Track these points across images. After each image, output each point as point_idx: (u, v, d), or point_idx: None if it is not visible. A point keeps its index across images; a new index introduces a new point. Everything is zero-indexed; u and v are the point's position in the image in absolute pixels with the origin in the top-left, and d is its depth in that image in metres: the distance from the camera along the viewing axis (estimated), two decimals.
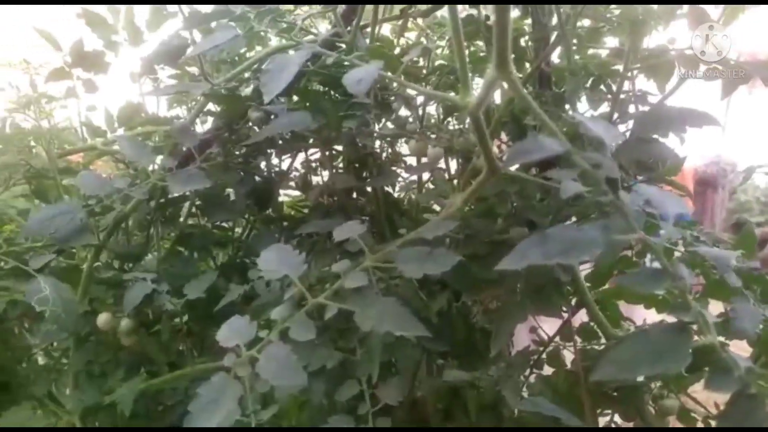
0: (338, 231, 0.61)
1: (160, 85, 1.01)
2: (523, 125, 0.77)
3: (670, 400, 0.76)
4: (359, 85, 0.52)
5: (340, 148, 0.93)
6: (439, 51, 0.97)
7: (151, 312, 0.84)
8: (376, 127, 0.85)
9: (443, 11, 0.92)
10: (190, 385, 0.83)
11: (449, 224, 0.59)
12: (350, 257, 0.60)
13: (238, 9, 0.69)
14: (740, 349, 0.54)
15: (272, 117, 0.82)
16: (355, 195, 0.94)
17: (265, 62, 0.83)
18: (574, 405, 0.73)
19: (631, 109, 0.75)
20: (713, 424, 0.76)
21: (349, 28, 0.82)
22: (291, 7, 0.97)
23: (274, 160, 0.98)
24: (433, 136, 0.87)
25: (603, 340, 0.80)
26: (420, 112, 0.91)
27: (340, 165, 0.96)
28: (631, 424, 0.77)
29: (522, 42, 0.86)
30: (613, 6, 0.77)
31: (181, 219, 0.96)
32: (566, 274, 0.70)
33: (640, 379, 0.72)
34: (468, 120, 0.76)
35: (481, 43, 0.90)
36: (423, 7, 0.95)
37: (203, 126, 0.98)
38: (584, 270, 0.78)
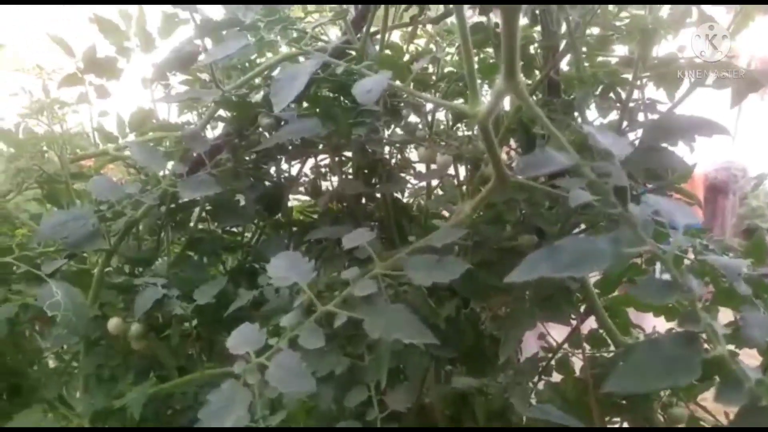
0: (347, 239, 0.61)
1: (171, 92, 1.01)
2: (532, 133, 0.76)
3: (679, 408, 0.75)
4: (369, 95, 0.53)
5: (349, 154, 0.93)
6: (448, 58, 0.97)
7: (161, 316, 0.84)
8: (386, 134, 0.85)
9: (453, 18, 0.92)
10: (199, 390, 0.84)
11: (458, 232, 0.59)
12: (359, 264, 0.60)
13: (248, 18, 0.70)
14: (750, 357, 0.54)
15: (282, 123, 0.82)
16: (364, 201, 0.94)
17: (275, 69, 0.83)
18: (582, 412, 0.73)
19: (641, 117, 0.75)
20: None
21: (359, 35, 0.82)
22: (302, 13, 0.97)
23: (284, 166, 0.99)
24: (442, 143, 0.87)
25: (612, 348, 0.80)
26: (429, 118, 0.92)
27: (350, 171, 0.96)
28: None
29: (531, 50, 0.86)
30: (622, 14, 0.77)
31: (192, 224, 0.97)
32: (575, 282, 0.70)
33: None
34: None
35: (491, 50, 0.90)
36: (432, 14, 0.95)
37: (214, 132, 0.99)
38: (593, 277, 0.78)
